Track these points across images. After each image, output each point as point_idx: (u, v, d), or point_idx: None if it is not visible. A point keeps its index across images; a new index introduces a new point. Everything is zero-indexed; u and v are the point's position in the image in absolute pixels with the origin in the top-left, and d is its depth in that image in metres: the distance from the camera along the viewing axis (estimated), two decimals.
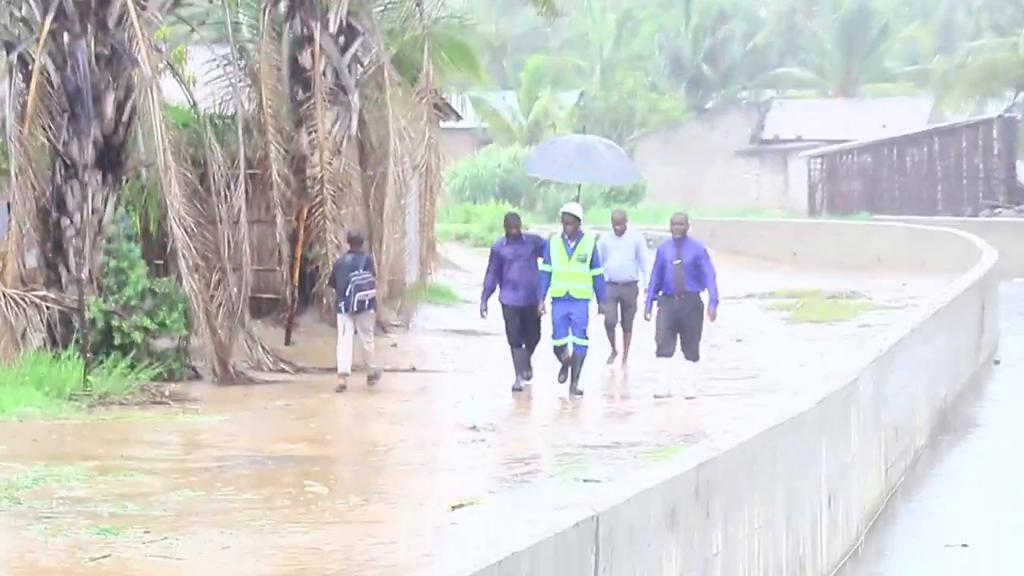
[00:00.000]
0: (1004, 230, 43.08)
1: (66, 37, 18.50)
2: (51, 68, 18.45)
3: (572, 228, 16.78)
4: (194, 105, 20.10)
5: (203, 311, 18.33)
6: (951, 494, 14.95)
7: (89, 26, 18.58)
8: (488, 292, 17.40)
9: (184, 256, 18.31)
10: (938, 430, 17.75)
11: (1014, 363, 23.80)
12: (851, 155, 57.22)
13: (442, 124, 24.30)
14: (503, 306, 17.35)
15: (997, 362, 24.19)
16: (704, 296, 16.62)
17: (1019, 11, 62.32)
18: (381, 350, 19.24)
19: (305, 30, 22.56)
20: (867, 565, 12.41)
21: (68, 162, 18.70)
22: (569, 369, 17.06)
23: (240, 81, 21.38)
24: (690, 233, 17.01)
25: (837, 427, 12.07)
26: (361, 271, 17.87)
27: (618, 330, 19.53)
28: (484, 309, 17.58)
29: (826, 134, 59.97)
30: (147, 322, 18.04)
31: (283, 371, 19.17)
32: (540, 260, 16.99)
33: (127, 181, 19.42)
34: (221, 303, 18.95)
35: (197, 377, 18.33)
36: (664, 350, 16.54)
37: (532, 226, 35.25)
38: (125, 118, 18.92)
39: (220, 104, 21.29)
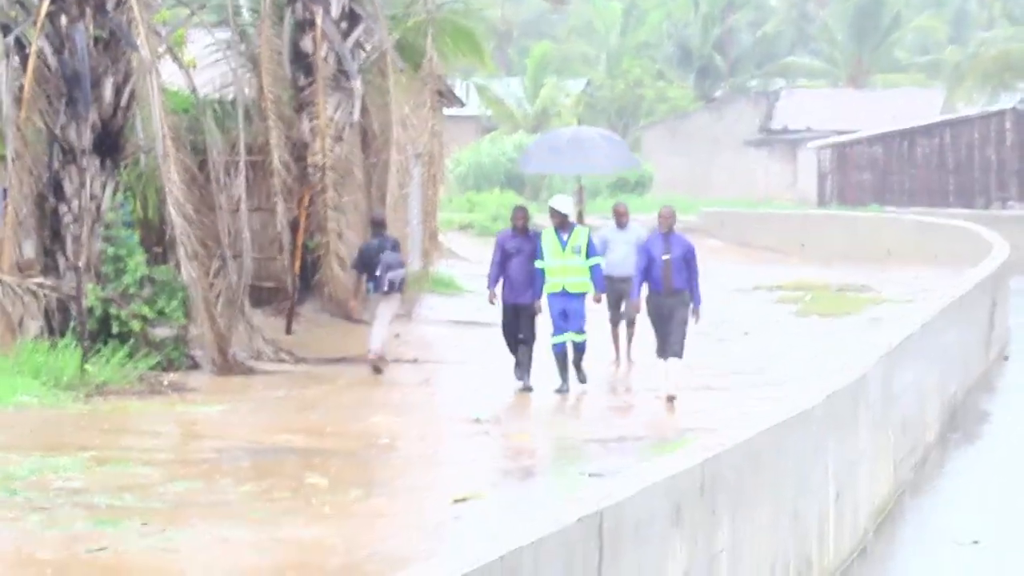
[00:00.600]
0: (1015, 223, 42.92)
1: (64, 20, 18.37)
2: (48, 51, 18.32)
3: (558, 221, 16.56)
4: (194, 90, 19.94)
5: (202, 299, 18.20)
6: (961, 490, 14.88)
7: (87, 9, 18.45)
8: (493, 282, 17.09)
9: (183, 244, 18.17)
10: (948, 426, 17.63)
11: None
12: (861, 146, 57.02)
13: (446, 111, 24.15)
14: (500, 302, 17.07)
15: (1006, 358, 24.11)
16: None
17: None
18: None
19: (307, 14, 22.40)
20: (875, 562, 12.27)
21: (66, 147, 18.56)
22: (570, 366, 16.78)
23: (241, 66, 21.26)
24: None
25: (845, 423, 11.99)
26: (389, 251, 17.92)
27: (621, 329, 19.17)
28: (493, 296, 17.07)
29: (836, 124, 59.76)
30: (145, 310, 17.93)
31: (283, 361, 19.09)
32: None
33: (126, 167, 19.30)
34: (221, 291, 18.84)
35: (196, 366, 18.22)
36: (663, 351, 16.12)
37: (536, 215, 35.17)
38: (124, 103, 18.80)
39: (220, 89, 21.16)
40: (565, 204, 16.80)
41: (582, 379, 16.96)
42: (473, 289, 24.76)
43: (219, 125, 19.82)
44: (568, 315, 16.58)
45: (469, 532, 10.39)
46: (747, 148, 62.26)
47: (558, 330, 16.64)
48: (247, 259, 19.45)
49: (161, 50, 19.14)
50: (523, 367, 16.94)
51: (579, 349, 16.78)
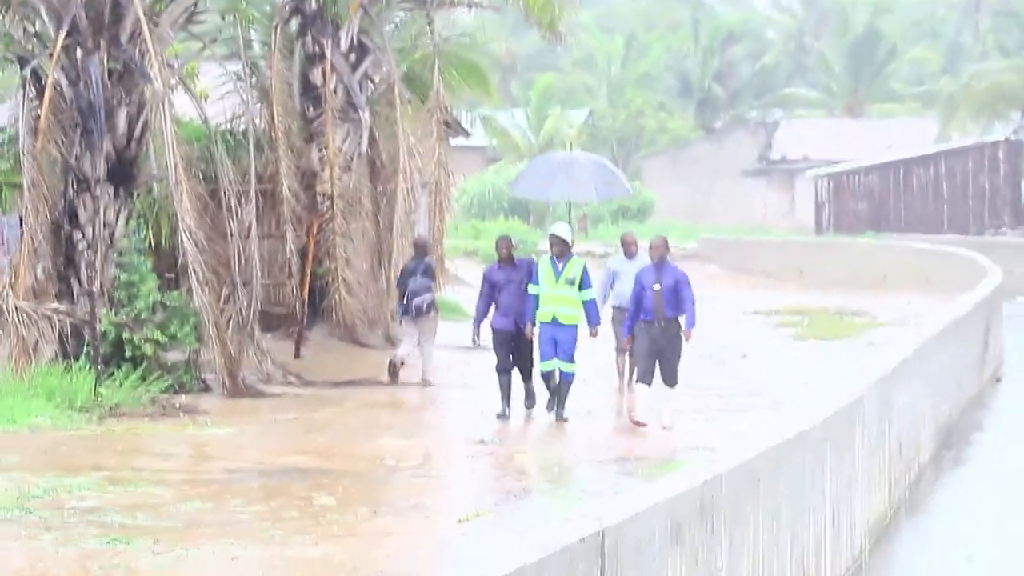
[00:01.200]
0: (1008, 250, 43.15)
1: (79, 52, 18.59)
2: (64, 83, 18.54)
3: (559, 250, 16.39)
4: (205, 121, 20.22)
5: (213, 324, 18.40)
6: (955, 509, 15.00)
7: (102, 42, 18.67)
8: (480, 317, 17.01)
9: (195, 270, 18.40)
10: (942, 446, 17.81)
11: (1017, 381, 23.89)
12: (858, 175, 57.29)
13: (452, 141, 24.38)
14: (494, 331, 16.90)
15: (999, 379, 24.27)
16: (683, 320, 16.08)
17: None
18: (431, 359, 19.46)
19: (316, 47, 22.68)
20: None
21: (80, 176, 18.79)
22: (556, 396, 16.64)
23: (251, 97, 21.51)
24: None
25: (842, 444, 12.11)
26: (419, 276, 18.20)
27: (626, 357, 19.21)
28: (477, 335, 17.02)
29: (833, 154, 60.01)
30: (158, 335, 18.11)
31: (292, 384, 19.22)
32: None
33: (139, 195, 19.51)
34: (231, 317, 19.00)
35: (207, 389, 18.38)
36: (645, 377, 16.07)
37: (540, 243, 35.29)
38: (137, 133, 19.01)
39: (231, 120, 21.41)
40: (566, 232, 16.69)
41: (563, 417, 16.49)
42: None
43: (230, 155, 19.97)
44: (558, 343, 16.35)
45: (474, 551, 10.46)
46: (746, 177, 62.51)
47: (545, 356, 16.39)
48: (257, 285, 19.61)
49: (173, 82, 19.38)
50: (504, 395, 16.78)
51: (566, 379, 16.46)
